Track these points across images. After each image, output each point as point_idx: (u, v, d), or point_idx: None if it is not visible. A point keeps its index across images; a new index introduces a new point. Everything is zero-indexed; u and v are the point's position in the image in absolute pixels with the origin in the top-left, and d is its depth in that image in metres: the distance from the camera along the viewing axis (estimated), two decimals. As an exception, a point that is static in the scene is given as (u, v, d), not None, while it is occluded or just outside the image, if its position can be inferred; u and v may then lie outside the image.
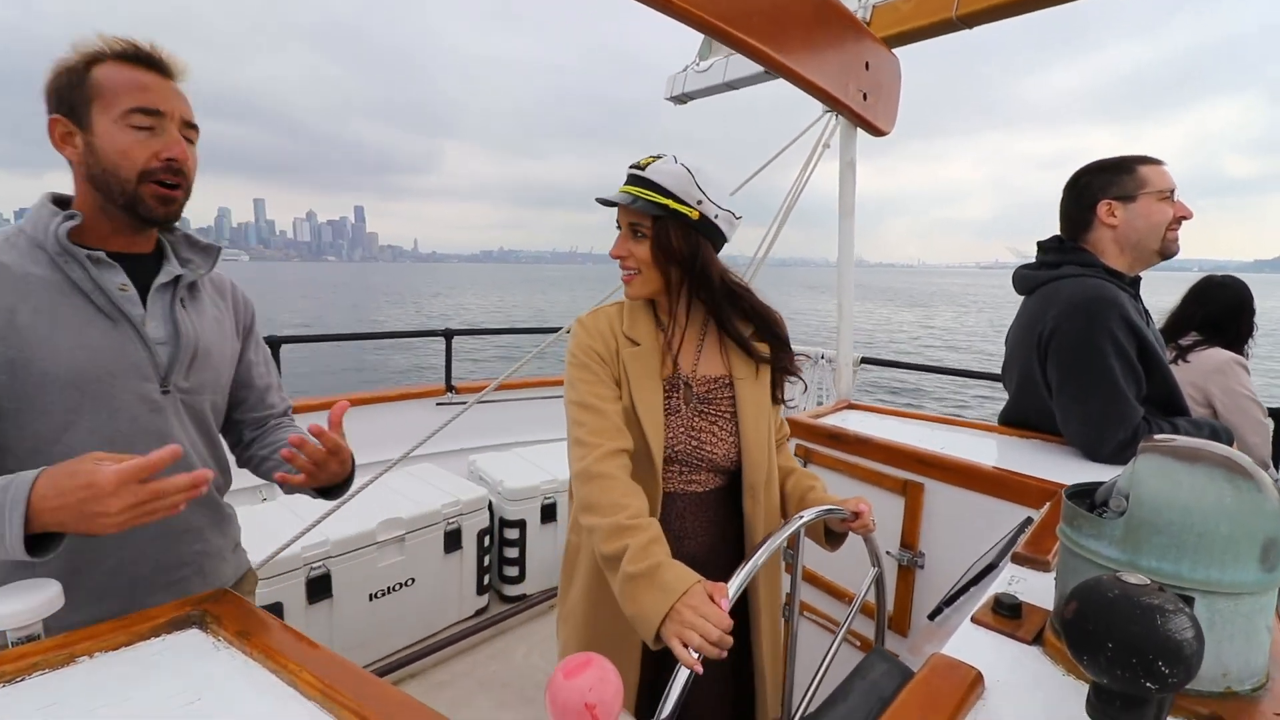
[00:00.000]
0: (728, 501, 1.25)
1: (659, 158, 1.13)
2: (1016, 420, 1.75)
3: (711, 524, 1.25)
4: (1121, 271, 1.54)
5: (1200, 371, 2.04)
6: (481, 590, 2.74)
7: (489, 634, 2.61)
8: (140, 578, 0.98)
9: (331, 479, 1.06)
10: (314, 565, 2.15)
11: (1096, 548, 0.71)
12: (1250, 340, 2.14)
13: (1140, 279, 1.61)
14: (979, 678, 0.65)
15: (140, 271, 0.98)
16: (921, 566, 1.56)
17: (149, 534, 0.97)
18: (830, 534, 1.24)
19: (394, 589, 2.42)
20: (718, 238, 1.17)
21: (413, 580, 2.47)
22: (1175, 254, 1.57)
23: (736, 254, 1.25)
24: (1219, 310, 2.14)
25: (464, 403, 3.30)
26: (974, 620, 0.79)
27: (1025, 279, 1.65)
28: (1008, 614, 0.80)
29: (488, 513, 2.75)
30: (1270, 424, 2.07)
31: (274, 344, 2.71)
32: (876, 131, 2.04)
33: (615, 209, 1.17)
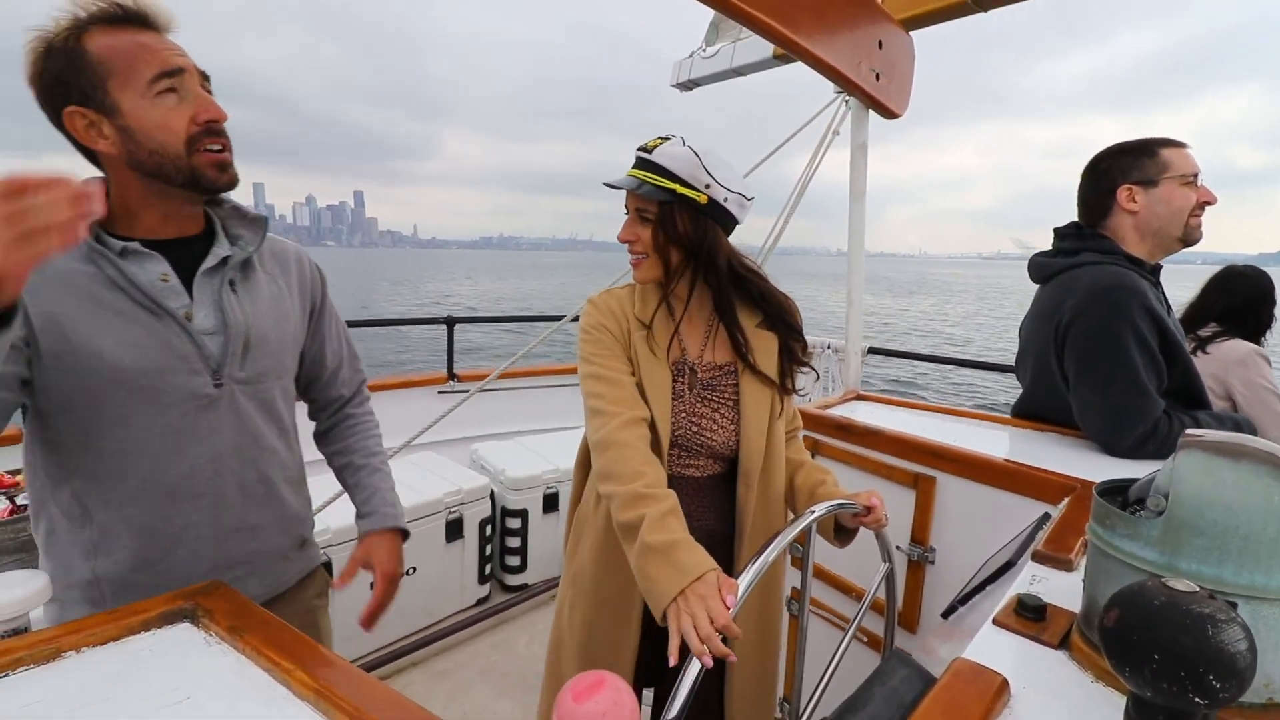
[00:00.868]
0: (726, 488, 1.25)
1: (667, 139, 1.10)
2: (1031, 413, 1.71)
3: (709, 509, 1.25)
4: (1142, 259, 1.49)
5: (1220, 363, 2.00)
6: (483, 580, 2.73)
7: (490, 623, 2.60)
8: (198, 575, 0.92)
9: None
10: (315, 553, 2.13)
11: (1132, 549, 0.67)
12: (1269, 331, 2.10)
13: (1161, 267, 1.56)
14: (1004, 684, 0.62)
15: (187, 257, 0.92)
16: (932, 562, 1.53)
17: (203, 533, 0.94)
18: (840, 530, 1.21)
19: (396, 577, 2.40)
20: (728, 221, 1.14)
21: (414, 569, 2.45)
22: (1198, 241, 1.52)
23: (740, 244, 1.23)
24: (1240, 301, 2.09)
25: (466, 391, 3.28)
26: (996, 622, 0.76)
27: (1041, 266, 1.61)
28: (1031, 616, 0.76)
29: (489, 502, 2.73)
30: None
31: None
32: (889, 113, 1.99)
33: (623, 193, 1.14)
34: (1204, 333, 2.09)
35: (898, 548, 1.56)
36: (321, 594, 1.19)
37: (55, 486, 0.88)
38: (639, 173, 1.10)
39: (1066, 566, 0.96)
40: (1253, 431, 1.48)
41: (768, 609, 1.28)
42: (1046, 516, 1.27)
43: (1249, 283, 2.12)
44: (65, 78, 0.82)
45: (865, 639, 1.65)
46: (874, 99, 1.87)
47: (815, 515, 1.03)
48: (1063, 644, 0.72)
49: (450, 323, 3.36)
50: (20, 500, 1.72)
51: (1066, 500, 1.26)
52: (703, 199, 1.09)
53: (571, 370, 3.80)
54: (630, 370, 1.16)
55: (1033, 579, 0.93)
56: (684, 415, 1.19)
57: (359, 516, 1.19)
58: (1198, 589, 0.48)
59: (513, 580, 2.85)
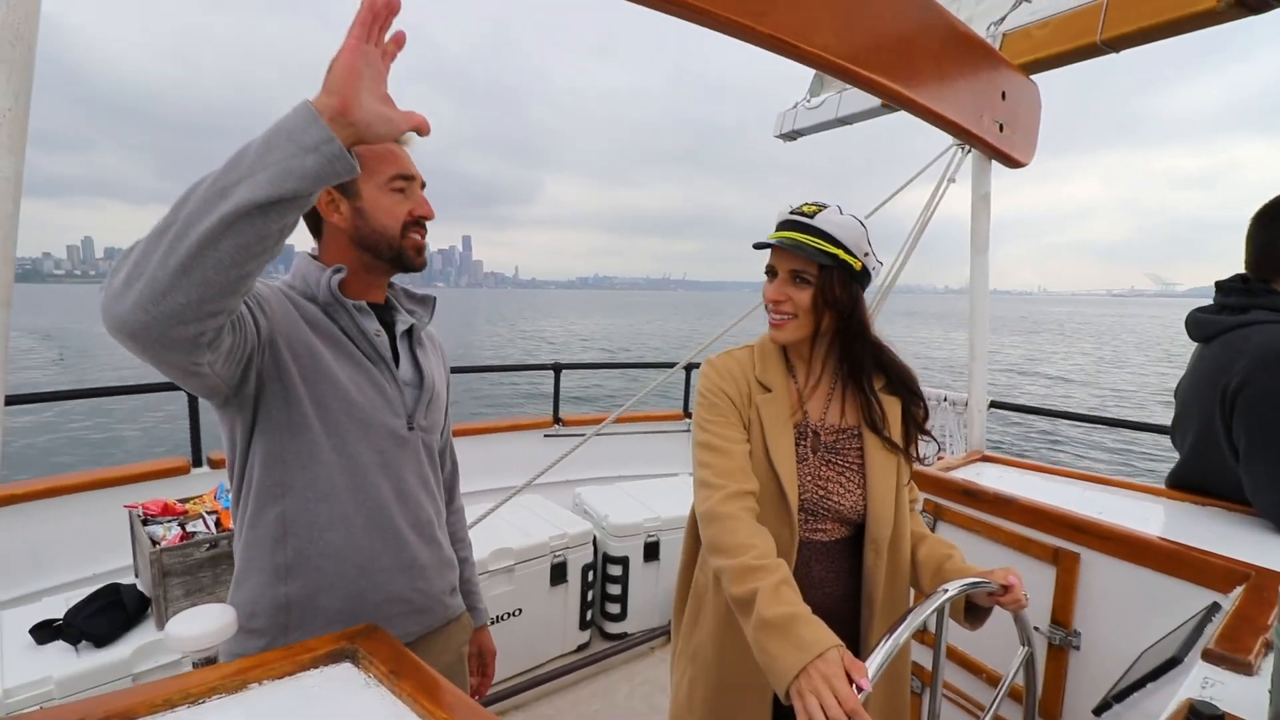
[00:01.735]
0: (853, 553, 1.21)
1: (823, 207, 1.12)
2: (1190, 484, 1.55)
3: (839, 576, 1.21)
4: None
5: None
6: (584, 626, 2.75)
7: (591, 671, 2.61)
8: (371, 606, 1.03)
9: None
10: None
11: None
12: None
13: None
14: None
15: (381, 321, 1.09)
16: (1076, 648, 1.39)
17: (382, 564, 1.04)
18: (971, 610, 1.13)
19: (503, 618, 2.47)
20: (867, 286, 1.17)
21: (520, 611, 2.51)
22: None
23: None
24: None
25: (570, 435, 3.38)
26: None
27: (1203, 324, 1.47)
28: (1212, 729, 0.69)
29: (592, 547, 2.77)
30: None
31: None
32: (1014, 163, 1.92)
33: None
34: None
35: (1036, 629, 1.43)
36: (466, 640, 1.26)
37: (262, 508, 0.99)
38: (798, 235, 1.10)
39: (1246, 670, 0.85)
40: None
41: (894, 690, 1.21)
42: (1216, 607, 1.14)
43: None
44: None
45: (969, 708, 1.52)
46: (997, 150, 1.81)
47: (949, 594, 0.97)
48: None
49: (557, 369, 3.50)
50: (190, 527, 1.94)
51: (1239, 590, 1.12)
52: (858, 266, 1.11)
53: (672, 416, 3.83)
54: (744, 438, 1.15)
55: (1205, 682, 0.84)
56: (809, 479, 1.17)
57: (473, 609, 1.33)
58: None
59: (613, 628, 2.86)
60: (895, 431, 1.20)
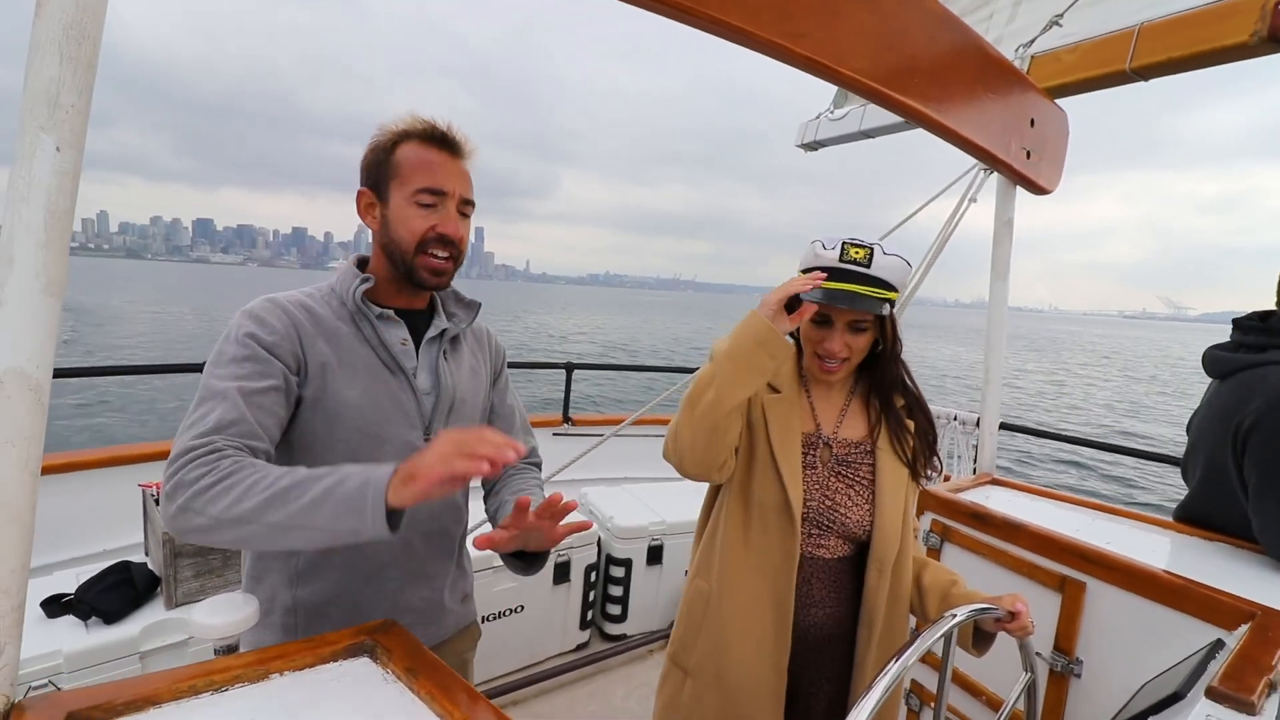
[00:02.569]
0: (855, 573, 1.21)
1: (869, 248, 1.10)
2: (1198, 518, 1.55)
3: (839, 597, 1.21)
4: None
5: None
6: (584, 625, 2.77)
7: (589, 671, 2.62)
8: (377, 615, 1.01)
9: (539, 546, 1.04)
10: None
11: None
12: None
13: None
14: None
15: (414, 326, 1.09)
16: (1078, 675, 1.40)
17: (391, 574, 1.05)
18: (977, 635, 1.14)
19: (505, 614, 2.49)
20: None
21: (522, 608, 2.53)
22: None
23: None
24: None
25: (580, 435, 3.39)
26: None
27: (1219, 361, 1.47)
28: (1219, 771, 0.70)
29: (596, 548, 2.79)
30: None
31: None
32: (1039, 190, 1.92)
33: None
34: None
35: (1038, 654, 1.44)
36: (472, 647, 1.26)
37: None
38: (857, 288, 1.09)
39: (1248, 709, 0.86)
40: None
41: (888, 705, 1.22)
42: (1220, 644, 1.14)
43: None
44: (373, 170, 1.03)
45: None
46: (1024, 176, 1.81)
47: (958, 619, 0.98)
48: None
49: (569, 368, 3.52)
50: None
51: (1245, 628, 1.13)
52: (897, 298, 1.14)
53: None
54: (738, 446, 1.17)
55: (1208, 719, 0.85)
56: (817, 489, 1.18)
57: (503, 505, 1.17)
58: None
59: (613, 629, 2.87)
60: (908, 450, 1.21)
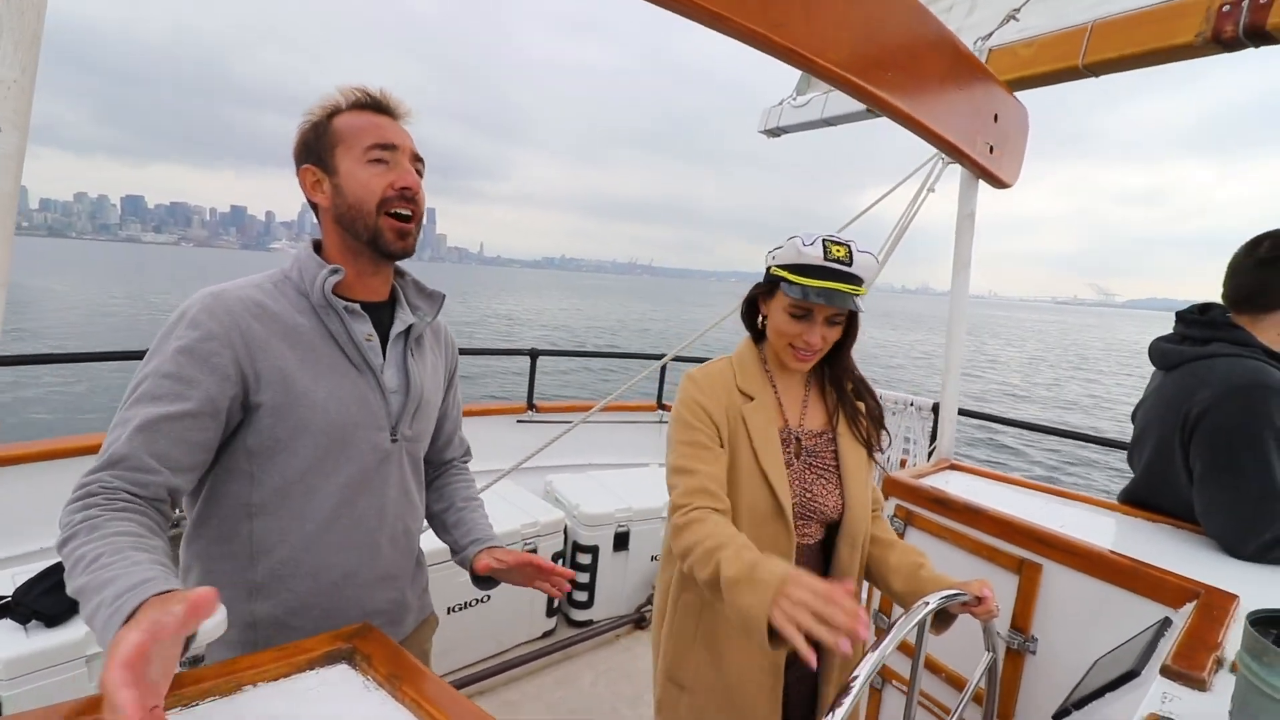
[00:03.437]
0: (825, 554, 1.27)
1: (847, 244, 1.14)
2: (1143, 501, 1.64)
3: (816, 575, 1.25)
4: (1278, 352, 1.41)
5: None
6: (550, 612, 2.77)
7: (557, 658, 2.63)
8: (342, 621, 0.98)
9: (515, 583, 1.18)
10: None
11: (1299, 694, 0.65)
12: None
13: None
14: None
15: (378, 320, 1.03)
16: (1033, 652, 1.47)
17: (359, 580, 1.01)
18: (938, 615, 1.19)
19: (471, 604, 2.47)
20: None
21: (488, 597, 2.51)
22: None
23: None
24: None
25: (544, 422, 3.37)
26: None
27: (1166, 354, 1.54)
28: (1177, 746, 0.74)
29: (563, 535, 2.78)
30: None
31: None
32: (1000, 184, 1.96)
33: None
34: None
35: (997, 634, 1.50)
36: (430, 637, 1.25)
37: (228, 526, 0.94)
38: (844, 286, 1.13)
39: (1200, 686, 0.92)
40: None
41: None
42: (1168, 622, 1.21)
43: None
44: (312, 145, 0.98)
45: (936, 711, 1.60)
46: (987, 171, 1.85)
47: (930, 607, 1.01)
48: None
49: (534, 355, 3.47)
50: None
51: (1191, 606, 1.20)
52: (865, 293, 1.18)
53: (645, 407, 3.85)
54: (719, 457, 1.17)
55: (1165, 697, 0.90)
56: (797, 484, 1.22)
57: (468, 544, 1.20)
58: None
59: (579, 615, 2.88)
60: (863, 431, 1.28)
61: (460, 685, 2.34)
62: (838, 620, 0.78)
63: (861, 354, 1.32)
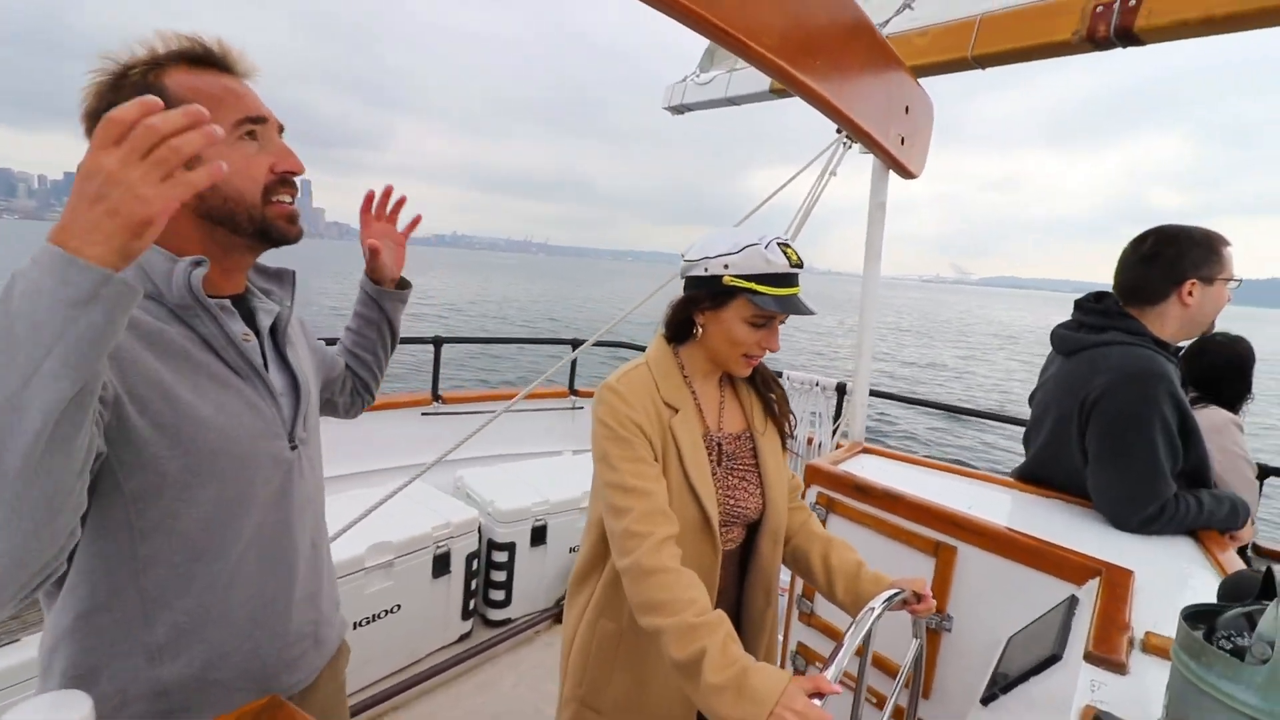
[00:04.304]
0: (745, 555, 1.26)
1: (790, 245, 1.13)
2: (1037, 477, 1.76)
3: (734, 581, 1.25)
4: (1167, 342, 1.54)
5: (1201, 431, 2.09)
6: (466, 615, 2.64)
7: (475, 663, 2.52)
8: (273, 657, 0.88)
9: (395, 267, 1.20)
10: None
11: (1232, 691, 0.68)
12: (1247, 399, 2.19)
13: (1181, 349, 1.61)
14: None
15: (242, 315, 0.87)
16: (949, 630, 1.54)
17: (279, 609, 0.88)
18: None
19: (380, 616, 2.30)
20: None
21: (399, 607, 2.35)
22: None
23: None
24: (1218, 369, 2.18)
25: (451, 414, 3.18)
26: None
27: (1066, 340, 1.65)
28: (1118, 740, 0.77)
29: (477, 535, 2.65)
30: (1256, 482, 2.14)
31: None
32: (909, 175, 2.02)
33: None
34: None
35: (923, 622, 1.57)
36: (344, 669, 1.12)
37: (110, 587, 0.77)
38: (799, 289, 1.12)
39: (1120, 669, 0.97)
40: (1248, 511, 1.55)
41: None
42: (1075, 600, 1.29)
43: (1226, 351, 2.22)
44: None
45: (874, 700, 1.66)
46: (898, 162, 1.89)
47: (876, 614, 1.02)
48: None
49: (438, 342, 3.26)
50: None
51: (1095, 584, 1.28)
52: None
53: (556, 394, 3.73)
54: (659, 471, 1.10)
55: (1093, 685, 0.94)
56: (720, 490, 1.18)
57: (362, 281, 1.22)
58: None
59: (496, 615, 2.77)
60: (775, 423, 1.28)
61: (373, 703, 2.18)
62: None
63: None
